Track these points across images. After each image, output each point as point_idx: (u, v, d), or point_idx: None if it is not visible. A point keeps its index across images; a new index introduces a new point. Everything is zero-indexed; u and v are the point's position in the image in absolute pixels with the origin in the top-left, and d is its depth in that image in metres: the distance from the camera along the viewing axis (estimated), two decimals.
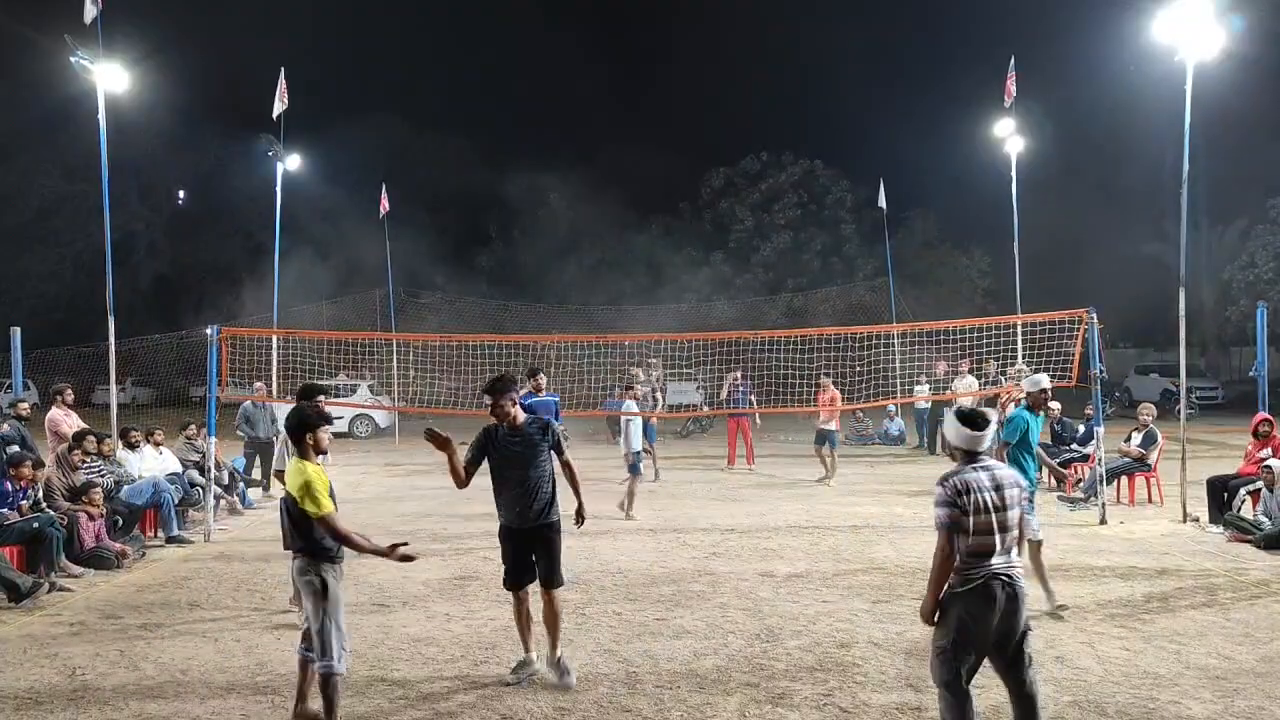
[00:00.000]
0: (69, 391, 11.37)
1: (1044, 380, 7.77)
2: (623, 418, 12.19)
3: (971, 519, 4.13)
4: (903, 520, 11.02)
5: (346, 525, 4.88)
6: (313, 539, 4.88)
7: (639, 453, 11.78)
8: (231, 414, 14.48)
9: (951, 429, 4.37)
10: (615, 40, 65.69)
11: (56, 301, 38.97)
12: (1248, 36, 18.72)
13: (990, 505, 4.15)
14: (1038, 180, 25.85)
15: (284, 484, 5.03)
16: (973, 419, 4.30)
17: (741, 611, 7.10)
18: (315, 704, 5.01)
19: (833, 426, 14.51)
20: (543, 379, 10.84)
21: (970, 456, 4.30)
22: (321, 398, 7.17)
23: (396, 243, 25.56)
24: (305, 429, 4.95)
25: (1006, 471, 4.33)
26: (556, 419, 9.61)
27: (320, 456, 5.01)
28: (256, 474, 13.78)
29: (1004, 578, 4.14)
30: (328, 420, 5.18)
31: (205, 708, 5.29)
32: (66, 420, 10.92)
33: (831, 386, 14.78)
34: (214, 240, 41.07)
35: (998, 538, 4.15)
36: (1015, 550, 4.26)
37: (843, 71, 59.73)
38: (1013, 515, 4.20)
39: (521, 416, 5.73)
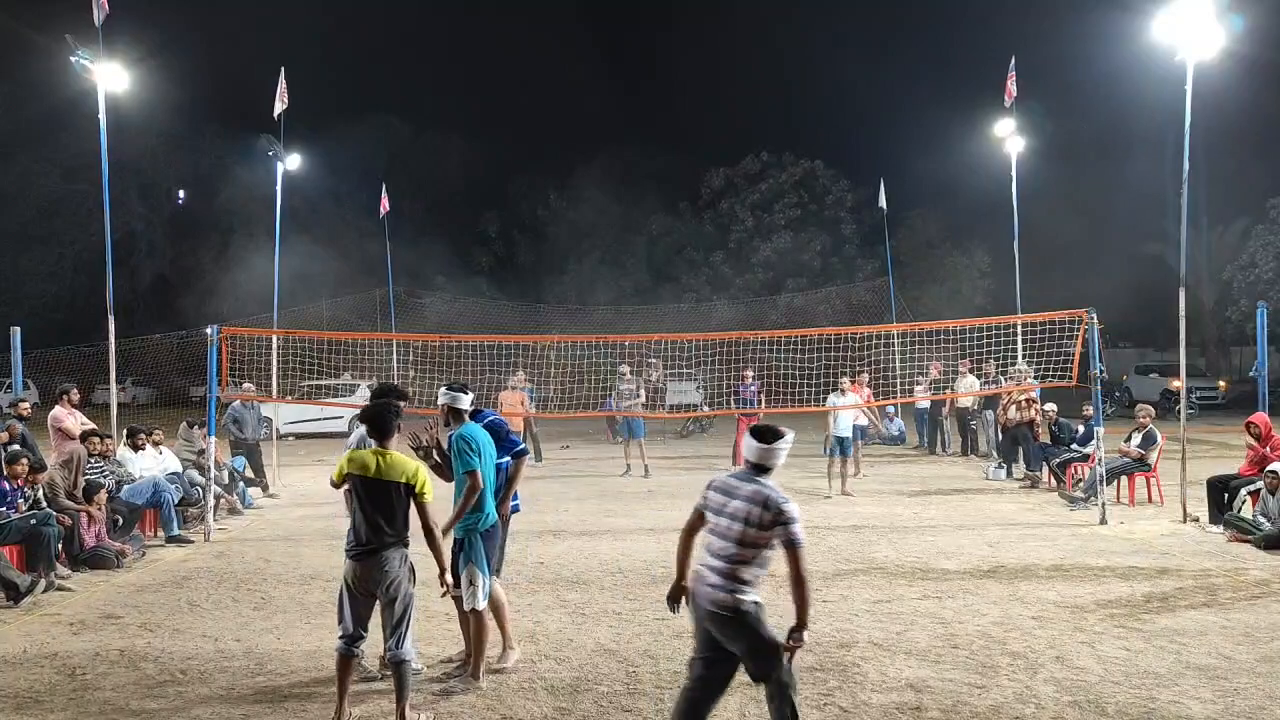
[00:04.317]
0: (75, 392, 11.37)
1: (444, 396, 5.82)
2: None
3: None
4: (903, 520, 11.02)
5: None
6: (406, 527, 4.99)
7: (842, 439, 13.13)
8: None
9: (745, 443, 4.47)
10: (615, 40, 65.81)
11: (56, 301, 39.02)
12: (1248, 36, 18.71)
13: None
14: (1038, 180, 25.85)
15: (367, 471, 4.92)
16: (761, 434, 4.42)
17: None
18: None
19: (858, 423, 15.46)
20: (463, 398, 5.90)
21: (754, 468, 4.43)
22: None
23: (396, 242, 25.56)
24: (388, 421, 5.08)
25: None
26: (502, 449, 6.03)
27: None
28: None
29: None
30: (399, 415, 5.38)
31: (205, 708, 5.28)
32: (70, 418, 10.92)
33: (865, 386, 16.04)
34: (214, 240, 41.11)
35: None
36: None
37: (843, 71, 59.90)
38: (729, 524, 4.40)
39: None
